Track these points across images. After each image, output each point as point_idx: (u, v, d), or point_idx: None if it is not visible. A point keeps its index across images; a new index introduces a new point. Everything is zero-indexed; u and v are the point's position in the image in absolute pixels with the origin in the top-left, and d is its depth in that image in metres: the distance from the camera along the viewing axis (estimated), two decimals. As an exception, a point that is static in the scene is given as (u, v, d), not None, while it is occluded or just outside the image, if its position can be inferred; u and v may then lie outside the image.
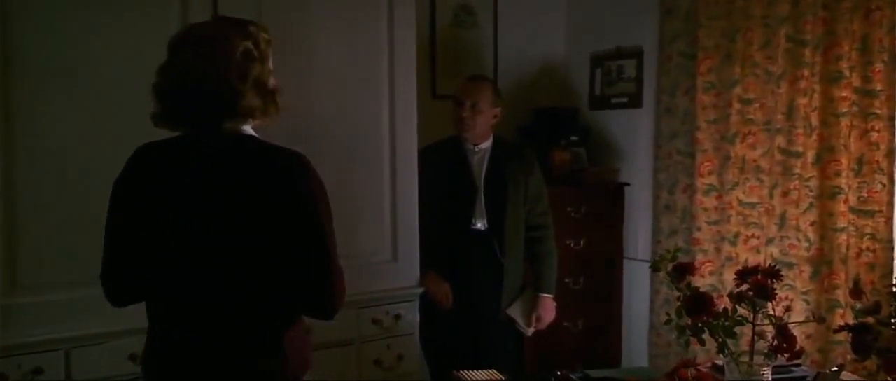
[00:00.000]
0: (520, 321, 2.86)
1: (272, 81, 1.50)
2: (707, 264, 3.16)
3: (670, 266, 1.84)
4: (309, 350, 1.58)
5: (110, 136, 1.85)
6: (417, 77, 2.70)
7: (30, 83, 2.01)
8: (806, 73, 2.86)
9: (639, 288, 3.50)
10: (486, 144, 2.88)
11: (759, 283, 1.81)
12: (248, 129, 1.51)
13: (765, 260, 2.97)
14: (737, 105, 3.07)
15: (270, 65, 1.52)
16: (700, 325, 1.74)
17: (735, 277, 1.88)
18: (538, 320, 2.86)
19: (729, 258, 3.12)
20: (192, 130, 1.47)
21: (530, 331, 2.88)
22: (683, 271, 1.84)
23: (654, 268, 1.85)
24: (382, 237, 2.64)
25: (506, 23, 3.65)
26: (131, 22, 2.08)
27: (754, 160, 3.05)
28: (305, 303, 1.48)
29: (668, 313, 1.84)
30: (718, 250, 3.16)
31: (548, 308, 2.87)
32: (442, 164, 2.83)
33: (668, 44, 3.31)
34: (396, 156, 2.64)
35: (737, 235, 3.10)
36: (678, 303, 1.81)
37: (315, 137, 2.46)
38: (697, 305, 1.71)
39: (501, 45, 3.64)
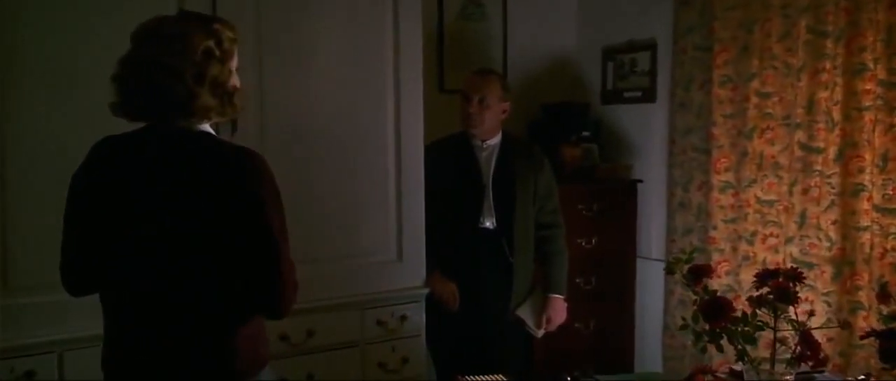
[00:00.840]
0: (529, 322, 2.78)
1: (232, 82, 1.51)
2: (723, 264, 3.06)
3: (686, 268, 1.74)
4: (264, 349, 1.58)
5: (109, 131, 1.80)
6: (424, 71, 2.63)
7: (25, 83, 1.97)
8: (827, 65, 2.75)
9: (652, 288, 3.42)
10: (495, 140, 2.80)
11: (781, 286, 1.71)
12: (204, 125, 1.52)
13: (784, 260, 2.89)
14: (754, 99, 2.97)
15: (233, 64, 1.52)
16: (718, 331, 1.65)
17: (754, 279, 1.79)
18: (548, 321, 2.79)
19: (746, 258, 3.03)
20: (148, 123, 1.49)
21: (540, 333, 2.80)
22: (700, 273, 1.74)
23: (669, 270, 1.76)
24: (387, 236, 2.58)
25: (515, 15, 3.57)
26: (131, 21, 2.02)
27: (773, 156, 2.95)
28: (253, 301, 1.48)
29: (683, 317, 1.75)
30: (735, 249, 3.07)
31: (558, 309, 2.80)
32: (449, 160, 2.76)
33: (683, 36, 3.22)
34: (402, 152, 2.58)
35: (754, 233, 3.01)
36: (694, 307, 1.71)
37: (317, 134, 2.42)
38: (715, 310, 1.62)
39: (511, 37, 3.57)
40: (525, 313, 2.78)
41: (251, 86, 2.25)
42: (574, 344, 3.23)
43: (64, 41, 2.01)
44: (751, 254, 3.01)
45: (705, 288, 1.69)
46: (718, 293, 1.78)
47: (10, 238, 1.98)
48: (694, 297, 1.72)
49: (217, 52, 1.46)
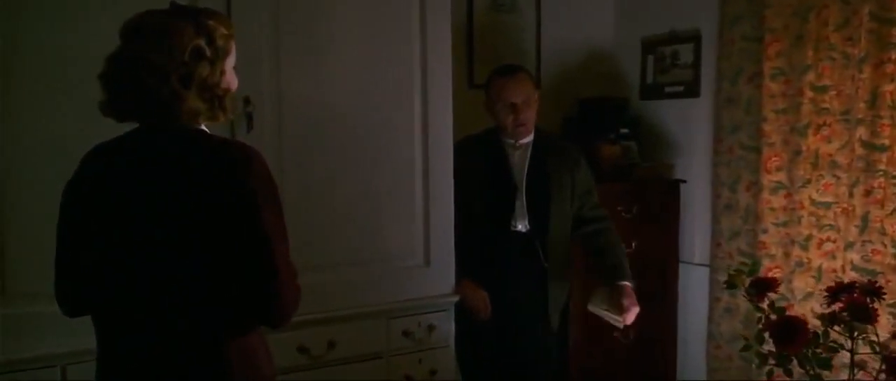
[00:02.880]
0: (611, 312, 2.50)
1: (225, 83, 1.41)
2: (775, 271, 2.86)
3: (748, 281, 1.55)
4: (267, 366, 1.48)
5: (109, 133, 1.69)
6: (453, 65, 2.48)
7: (24, 83, 1.88)
8: (893, 55, 2.55)
9: (696, 295, 3.25)
10: (528, 139, 2.64)
11: (857, 302, 1.51)
12: (200, 121, 1.42)
13: (843, 267, 2.67)
14: (809, 93, 2.77)
15: (229, 62, 1.43)
16: (788, 354, 1.45)
17: (825, 293, 1.59)
18: (627, 309, 2.50)
19: (799, 264, 2.84)
20: (138, 124, 1.41)
21: (624, 321, 2.51)
22: (765, 286, 1.55)
23: (730, 285, 1.56)
24: (413, 240, 2.43)
25: (549, 6, 3.41)
26: (131, 13, 1.91)
27: (830, 155, 2.76)
28: (250, 307, 1.38)
29: (745, 337, 1.55)
30: (787, 254, 2.87)
31: (632, 296, 2.52)
32: (479, 159, 2.60)
33: (730, 26, 3.03)
34: (429, 151, 2.43)
35: (809, 238, 2.81)
36: (759, 325, 1.52)
37: (338, 132, 2.29)
38: (788, 333, 1.42)
39: (544, 30, 3.40)
40: (598, 306, 2.53)
41: (267, 82, 2.14)
42: (612, 355, 3.08)
43: (63, 36, 1.91)
44: (805, 260, 2.82)
45: (772, 304, 1.49)
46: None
47: (9, 243, 1.89)
48: (758, 314, 1.52)
49: (208, 52, 1.36)
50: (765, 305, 1.53)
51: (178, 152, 1.37)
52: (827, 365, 1.48)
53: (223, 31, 1.39)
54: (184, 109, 1.35)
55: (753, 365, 1.58)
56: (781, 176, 2.88)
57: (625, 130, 3.28)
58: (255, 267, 1.34)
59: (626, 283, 2.56)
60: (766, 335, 1.49)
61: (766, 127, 2.89)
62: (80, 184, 1.43)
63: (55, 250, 1.45)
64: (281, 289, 1.35)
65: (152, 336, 1.38)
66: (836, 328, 1.53)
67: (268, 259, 1.34)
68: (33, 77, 1.88)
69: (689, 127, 3.29)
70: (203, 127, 1.43)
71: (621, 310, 2.50)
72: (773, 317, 1.50)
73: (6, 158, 1.87)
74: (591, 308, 2.55)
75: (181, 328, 1.38)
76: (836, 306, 1.54)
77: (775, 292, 1.57)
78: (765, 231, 2.91)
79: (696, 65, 3.25)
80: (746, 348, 1.55)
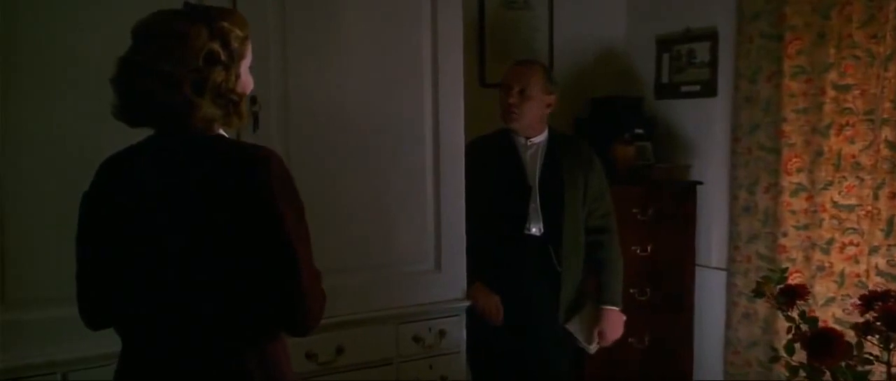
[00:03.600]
0: (581, 337, 2.54)
1: (241, 87, 1.36)
2: (795, 275, 2.77)
3: (777, 289, 1.47)
4: (288, 373, 1.43)
5: (111, 134, 1.65)
6: (464, 64, 2.42)
7: (24, 83, 1.83)
8: (921, 53, 2.47)
9: (713, 300, 3.17)
10: (541, 138, 2.57)
11: (892, 311, 1.43)
12: (216, 127, 1.36)
13: (867, 272, 2.60)
14: (831, 92, 2.70)
15: (245, 64, 1.37)
16: (820, 366, 1.38)
17: (859, 302, 1.51)
18: (602, 336, 2.55)
19: (820, 268, 2.76)
20: (153, 130, 1.35)
21: (593, 349, 2.56)
22: (794, 294, 1.47)
23: (758, 293, 1.49)
24: (424, 244, 2.37)
25: (561, 2, 3.35)
26: (137, 10, 1.86)
27: (853, 156, 2.68)
28: (273, 315, 1.32)
29: (774, 347, 1.48)
30: (808, 258, 2.80)
31: (613, 323, 2.55)
32: (490, 160, 2.54)
33: (749, 23, 2.96)
34: (440, 152, 2.37)
35: (830, 241, 2.74)
36: (789, 335, 1.44)
37: (347, 132, 2.24)
38: (824, 346, 1.34)
39: (557, 27, 3.35)
40: (576, 327, 2.55)
41: (274, 81, 2.09)
42: (627, 360, 3.01)
43: (64, 34, 1.85)
44: (826, 264, 2.75)
45: (803, 314, 1.42)
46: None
47: (8, 247, 1.83)
48: (788, 324, 1.45)
49: (222, 56, 1.30)
50: (795, 314, 1.45)
51: (196, 160, 1.31)
52: (862, 379, 1.40)
53: (238, 33, 1.33)
54: (198, 116, 1.29)
55: (782, 377, 1.50)
56: (802, 178, 2.81)
57: (639, 131, 3.22)
58: (279, 273, 1.28)
59: (612, 308, 2.53)
60: (798, 345, 1.41)
61: (787, 127, 2.82)
62: (97, 195, 1.38)
63: (76, 262, 1.41)
64: (306, 295, 1.30)
65: (174, 346, 1.34)
66: (870, 338, 1.45)
67: (292, 264, 1.28)
68: (33, 77, 1.84)
69: (706, 127, 3.22)
70: (221, 131, 1.38)
71: (592, 338, 2.52)
72: (805, 327, 1.42)
73: (6, 159, 1.83)
74: (569, 326, 2.55)
75: (202, 338, 1.33)
76: (870, 315, 1.47)
77: (804, 300, 1.49)
78: (785, 234, 2.84)
79: (712, 63, 3.18)
80: (775, 359, 1.48)
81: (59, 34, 1.84)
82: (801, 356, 1.48)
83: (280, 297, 1.29)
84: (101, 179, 1.39)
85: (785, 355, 1.44)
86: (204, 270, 1.29)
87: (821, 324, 1.56)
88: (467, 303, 2.42)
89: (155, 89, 1.27)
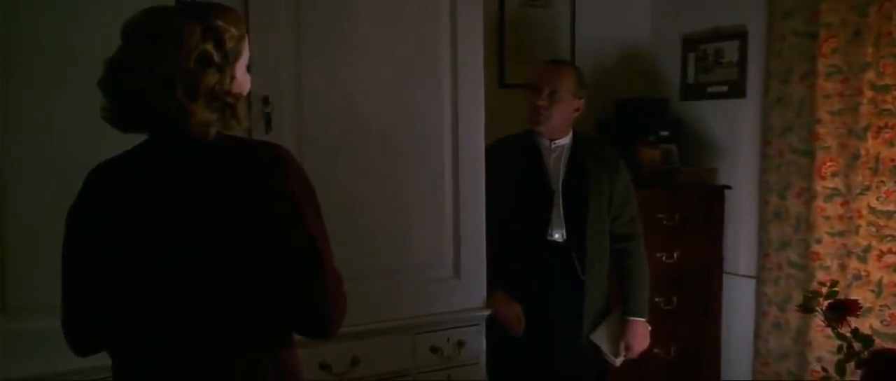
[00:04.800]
0: (606, 349, 2.45)
1: (236, 88, 1.28)
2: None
3: (826, 304, 1.37)
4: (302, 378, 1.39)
5: (112, 134, 1.60)
6: (484, 64, 2.36)
7: (23, 83, 1.79)
8: (965, 52, 2.36)
9: (741, 308, 3.09)
10: (565, 141, 2.48)
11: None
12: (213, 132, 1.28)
13: (907, 281, 2.47)
14: (869, 93, 2.60)
15: (241, 64, 1.30)
16: (876, 389, 1.27)
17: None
18: (628, 348, 2.45)
19: (856, 277, 2.66)
20: (147, 134, 1.29)
21: (618, 361, 2.46)
22: (844, 310, 1.36)
23: (806, 308, 1.39)
24: (443, 250, 2.32)
25: (584, 1, 3.28)
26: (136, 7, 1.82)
27: (892, 159, 2.59)
28: (294, 318, 1.28)
29: (824, 369, 1.37)
30: (843, 266, 2.69)
31: (639, 334, 2.45)
32: (512, 163, 2.45)
33: (781, 21, 2.87)
34: (459, 155, 2.31)
35: (867, 249, 2.64)
36: (841, 355, 1.33)
37: (363, 135, 2.20)
38: (887, 369, 1.23)
39: (579, 25, 3.28)
40: (601, 338, 2.45)
41: (287, 81, 2.04)
42: (653, 371, 2.94)
43: (64, 34, 1.81)
44: (863, 273, 2.65)
45: (856, 332, 1.31)
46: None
47: (9, 255, 1.79)
48: (839, 342, 1.34)
49: (216, 57, 1.23)
50: (847, 331, 1.34)
51: (198, 164, 1.25)
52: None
53: (234, 31, 1.26)
54: (192, 121, 1.22)
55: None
56: (837, 182, 2.71)
57: (664, 133, 3.15)
58: (303, 273, 1.23)
59: (638, 319, 2.45)
60: (851, 366, 1.31)
61: (821, 129, 2.72)
62: (87, 206, 1.30)
63: (64, 283, 1.33)
64: (330, 295, 1.25)
65: (186, 357, 1.28)
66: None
67: (316, 263, 1.23)
68: (33, 77, 1.80)
69: (734, 129, 3.14)
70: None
71: (617, 350, 2.45)
72: (857, 345, 1.32)
73: (6, 160, 1.79)
74: (593, 338, 2.47)
75: (217, 346, 1.27)
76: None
77: (855, 315, 1.38)
78: (818, 241, 2.74)
79: (741, 63, 3.10)
80: (825, 380, 1.38)
81: (59, 34, 1.80)
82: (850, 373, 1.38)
83: (304, 297, 1.24)
84: (93, 189, 1.31)
85: (836, 375, 1.33)
86: (219, 275, 1.24)
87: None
88: (487, 312, 2.37)
89: (145, 94, 1.20)
